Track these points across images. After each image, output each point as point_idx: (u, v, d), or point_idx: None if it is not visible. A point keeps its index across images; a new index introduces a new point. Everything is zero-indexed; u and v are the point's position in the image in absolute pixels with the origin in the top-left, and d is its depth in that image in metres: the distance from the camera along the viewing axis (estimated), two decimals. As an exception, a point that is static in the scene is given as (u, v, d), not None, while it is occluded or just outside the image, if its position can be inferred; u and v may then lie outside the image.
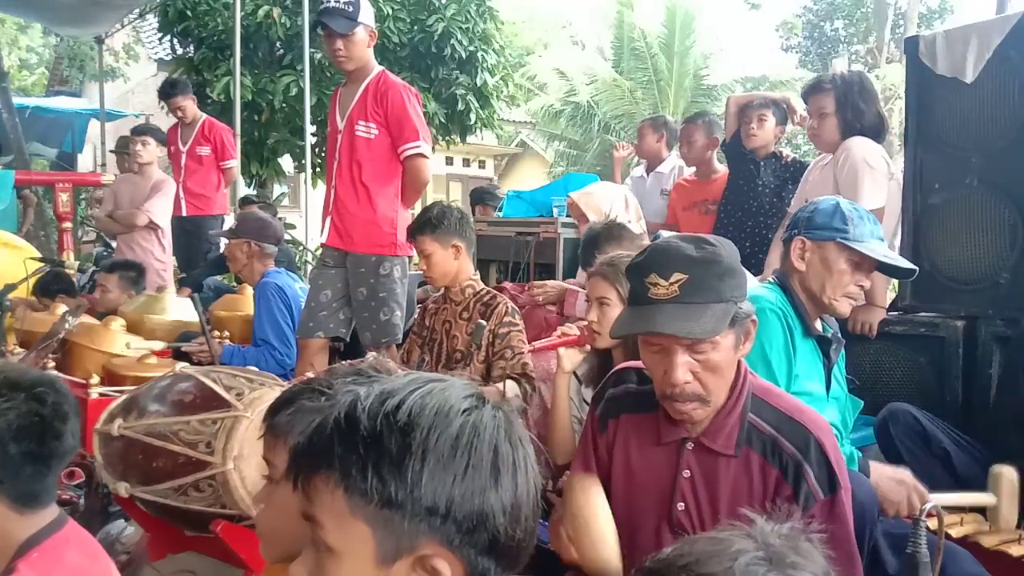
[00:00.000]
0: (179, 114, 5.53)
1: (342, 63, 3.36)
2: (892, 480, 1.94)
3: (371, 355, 1.61)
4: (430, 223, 2.93)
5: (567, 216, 4.60)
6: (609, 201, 3.62)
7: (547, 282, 3.67)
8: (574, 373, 2.42)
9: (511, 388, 2.77)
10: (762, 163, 3.94)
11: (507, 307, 2.92)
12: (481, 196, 6.28)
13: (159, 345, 3.33)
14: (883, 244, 2.06)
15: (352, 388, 1.20)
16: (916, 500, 1.92)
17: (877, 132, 3.05)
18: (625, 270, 1.64)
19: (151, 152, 5.21)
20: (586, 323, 2.32)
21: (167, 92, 5.63)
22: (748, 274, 1.80)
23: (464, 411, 0.84)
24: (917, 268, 2.09)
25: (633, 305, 1.57)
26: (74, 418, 1.52)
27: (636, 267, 1.57)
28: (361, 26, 3.28)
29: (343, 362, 1.40)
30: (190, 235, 5.43)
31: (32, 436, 1.43)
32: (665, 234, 3.23)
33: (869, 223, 2.03)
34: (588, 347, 2.33)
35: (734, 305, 1.50)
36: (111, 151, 7.55)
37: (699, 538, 0.83)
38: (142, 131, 5.33)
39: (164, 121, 6.99)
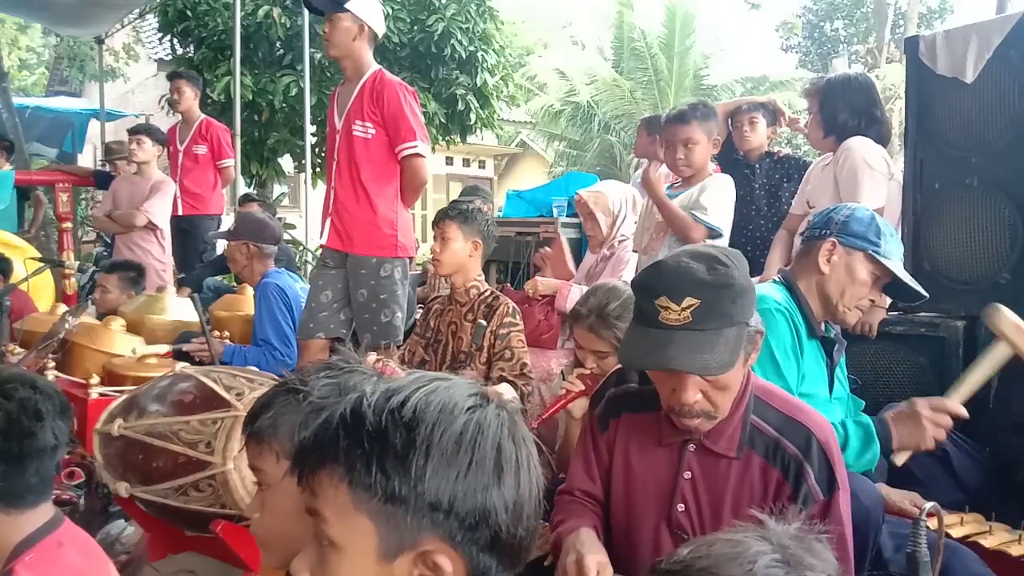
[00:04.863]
0: (176, 97, 5.55)
1: (327, 48, 3.39)
2: (907, 428, 1.94)
3: (371, 356, 1.62)
4: (463, 213, 3.04)
5: (567, 216, 4.61)
6: (619, 201, 3.63)
7: (539, 278, 3.69)
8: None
9: (507, 391, 2.78)
10: (756, 165, 3.94)
11: (508, 307, 2.96)
12: (474, 192, 6.21)
13: (164, 348, 3.33)
14: (901, 263, 2.05)
15: (328, 383, 1.21)
16: (940, 431, 1.92)
17: (858, 131, 3.03)
18: (632, 285, 1.58)
19: (147, 151, 5.20)
20: (587, 371, 2.27)
21: (176, 73, 5.78)
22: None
23: (468, 409, 0.84)
24: (927, 295, 2.06)
25: (642, 326, 1.52)
26: (55, 417, 1.50)
27: (645, 286, 1.52)
28: (348, 14, 3.25)
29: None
30: (186, 234, 5.44)
31: None
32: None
33: (895, 242, 2.03)
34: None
35: (745, 326, 1.48)
36: (101, 159, 7.55)
37: (715, 540, 0.83)
38: (138, 130, 5.34)
39: (164, 121, 6.99)
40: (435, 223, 3.09)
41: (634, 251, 3.49)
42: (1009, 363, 2.02)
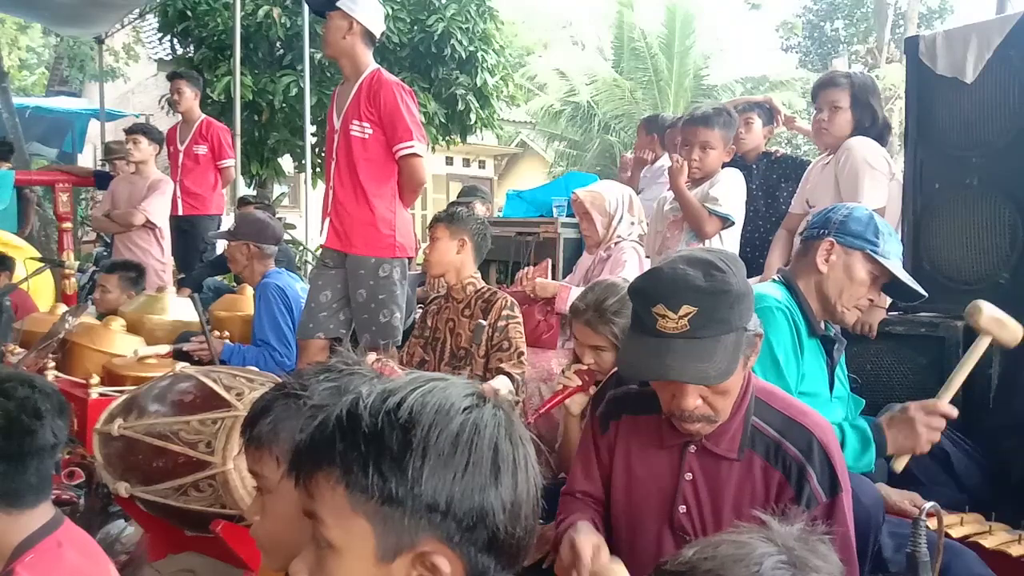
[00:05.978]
0: (175, 97, 5.55)
1: (323, 47, 3.46)
2: (901, 432, 1.93)
3: (371, 356, 1.62)
4: (451, 216, 3.17)
5: (567, 216, 4.61)
6: (615, 201, 3.63)
7: (538, 280, 3.68)
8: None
9: (503, 384, 2.80)
10: (753, 167, 3.94)
11: (506, 301, 3.01)
12: (472, 193, 6.21)
13: (165, 349, 3.33)
14: (900, 263, 2.05)
15: (328, 386, 1.20)
16: (934, 433, 1.90)
17: (881, 134, 3.05)
18: (629, 291, 1.58)
19: (144, 150, 5.21)
20: (584, 367, 2.26)
21: (175, 73, 5.78)
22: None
23: (465, 409, 0.84)
24: (927, 295, 2.05)
25: (640, 334, 1.51)
26: (54, 416, 1.50)
27: (642, 293, 1.51)
28: (339, 11, 3.26)
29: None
30: (186, 234, 5.44)
31: None
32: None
33: (894, 242, 2.03)
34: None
35: (744, 331, 1.47)
36: (101, 159, 7.52)
37: (720, 541, 0.83)
38: (134, 130, 5.35)
39: (164, 121, 7.00)
40: (428, 228, 3.21)
41: (647, 257, 3.49)
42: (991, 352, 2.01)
